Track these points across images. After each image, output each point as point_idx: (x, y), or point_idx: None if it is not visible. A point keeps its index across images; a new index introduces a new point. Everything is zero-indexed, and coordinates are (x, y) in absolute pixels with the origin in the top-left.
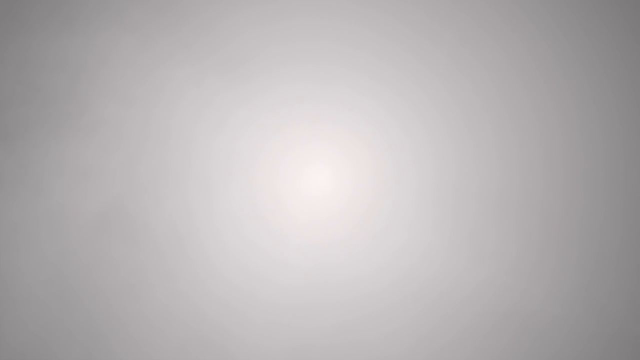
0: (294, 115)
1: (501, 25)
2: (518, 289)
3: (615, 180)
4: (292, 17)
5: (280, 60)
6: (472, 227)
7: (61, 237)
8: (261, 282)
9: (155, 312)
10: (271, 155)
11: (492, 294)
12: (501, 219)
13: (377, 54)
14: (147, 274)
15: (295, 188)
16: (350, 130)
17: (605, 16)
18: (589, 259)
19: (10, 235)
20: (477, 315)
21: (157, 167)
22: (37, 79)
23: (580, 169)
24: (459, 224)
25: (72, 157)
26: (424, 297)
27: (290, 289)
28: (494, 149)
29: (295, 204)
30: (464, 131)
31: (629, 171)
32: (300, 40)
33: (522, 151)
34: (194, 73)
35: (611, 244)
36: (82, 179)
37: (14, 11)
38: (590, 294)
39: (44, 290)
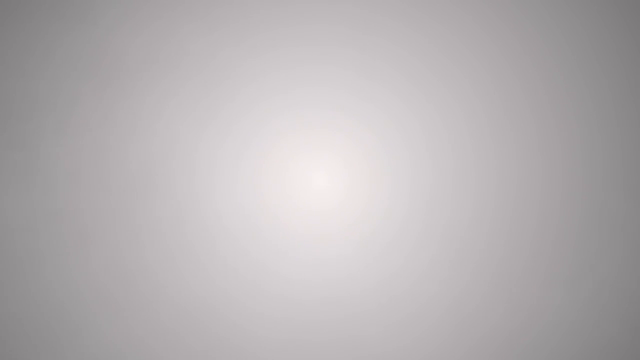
0: (297, 119)
1: (501, 26)
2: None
3: (614, 180)
4: (290, 21)
5: (282, 62)
6: (467, 230)
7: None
8: (266, 275)
9: (157, 303)
10: (278, 154)
11: (483, 294)
12: (498, 222)
13: (376, 55)
14: (154, 271)
15: (299, 185)
16: (348, 134)
17: (605, 16)
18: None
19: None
20: (470, 314)
21: (160, 164)
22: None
23: (580, 170)
24: (452, 227)
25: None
26: (422, 293)
27: (294, 284)
28: (493, 151)
29: (300, 198)
30: (463, 134)
31: (628, 171)
32: (299, 44)
33: (520, 153)
34: (201, 78)
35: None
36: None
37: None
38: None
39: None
